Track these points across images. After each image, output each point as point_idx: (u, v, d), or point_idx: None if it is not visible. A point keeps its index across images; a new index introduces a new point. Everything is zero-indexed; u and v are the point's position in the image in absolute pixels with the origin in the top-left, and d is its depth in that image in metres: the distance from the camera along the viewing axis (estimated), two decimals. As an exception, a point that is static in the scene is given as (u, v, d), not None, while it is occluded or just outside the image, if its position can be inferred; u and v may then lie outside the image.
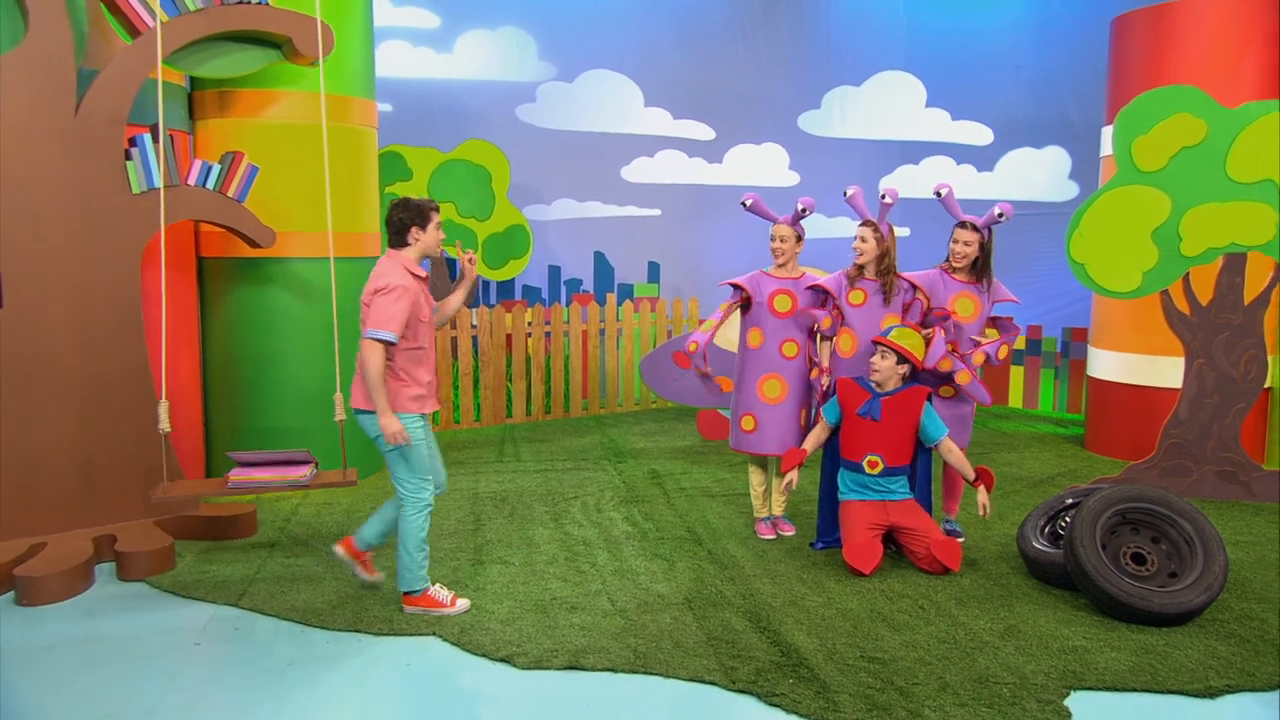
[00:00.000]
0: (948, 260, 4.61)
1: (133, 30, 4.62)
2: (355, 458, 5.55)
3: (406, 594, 3.81)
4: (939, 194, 4.60)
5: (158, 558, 4.32)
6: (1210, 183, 5.13)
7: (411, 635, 3.64)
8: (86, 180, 4.48)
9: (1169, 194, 5.19)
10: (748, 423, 4.69)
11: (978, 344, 4.57)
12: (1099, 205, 5.31)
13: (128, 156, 4.60)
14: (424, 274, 3.76)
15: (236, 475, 4.02)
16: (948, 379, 4.53)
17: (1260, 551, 4.58)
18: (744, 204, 4.60)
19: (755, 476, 4.85)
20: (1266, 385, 5.82)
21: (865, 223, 4.58)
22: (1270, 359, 6.00)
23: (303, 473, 4.07)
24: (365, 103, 5.86)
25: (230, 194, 4.91)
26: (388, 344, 3.55)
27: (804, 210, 4.50)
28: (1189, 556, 3.78)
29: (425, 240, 3.70)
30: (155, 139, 4.62)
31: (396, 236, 3.70)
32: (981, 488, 4.40)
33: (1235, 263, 5.29)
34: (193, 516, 4.77)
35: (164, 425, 4.13)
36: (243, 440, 5.53)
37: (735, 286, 4.66)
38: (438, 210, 3.75)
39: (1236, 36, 6.02)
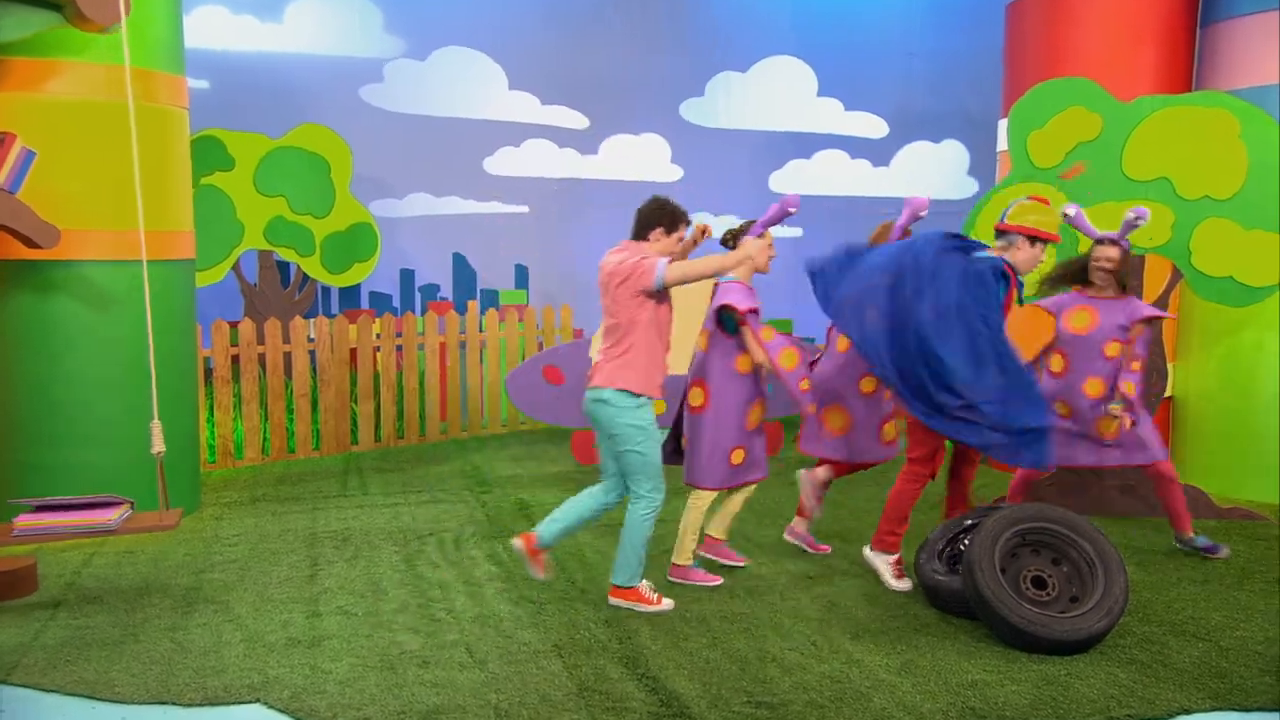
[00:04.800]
0: None
1: None
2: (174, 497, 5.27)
3: (616, 586, 4.35)
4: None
5: (-92, 626, 3.98)
6: (1107, 180, 5.46)
7: (231, 704, 3.48)
8: None
9: (1066, 192, 5.50)
10: (738, 456, 4.63)
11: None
12: (995, 204, 5.58)
13: None
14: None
15: (25, 521, 3.85)
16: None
17: (1161, 571, 4.88)
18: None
19: (695, 512, 4.67)
20: (1167, 394, 6.23)
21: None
22: (1170, 367, 6.42)
23: (109, 516, 3.92)
24: (172, 78, 5.60)
25: None
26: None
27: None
28: (1090, 579, 3.99)
29: (664, 245, 4.25)
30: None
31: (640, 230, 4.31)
32: None
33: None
34: (-45, 574, 4.42)
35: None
36: (25, 479, 5.18)
37: (754, 311, 4.54)
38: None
39: (1132, 24, 6.42)
